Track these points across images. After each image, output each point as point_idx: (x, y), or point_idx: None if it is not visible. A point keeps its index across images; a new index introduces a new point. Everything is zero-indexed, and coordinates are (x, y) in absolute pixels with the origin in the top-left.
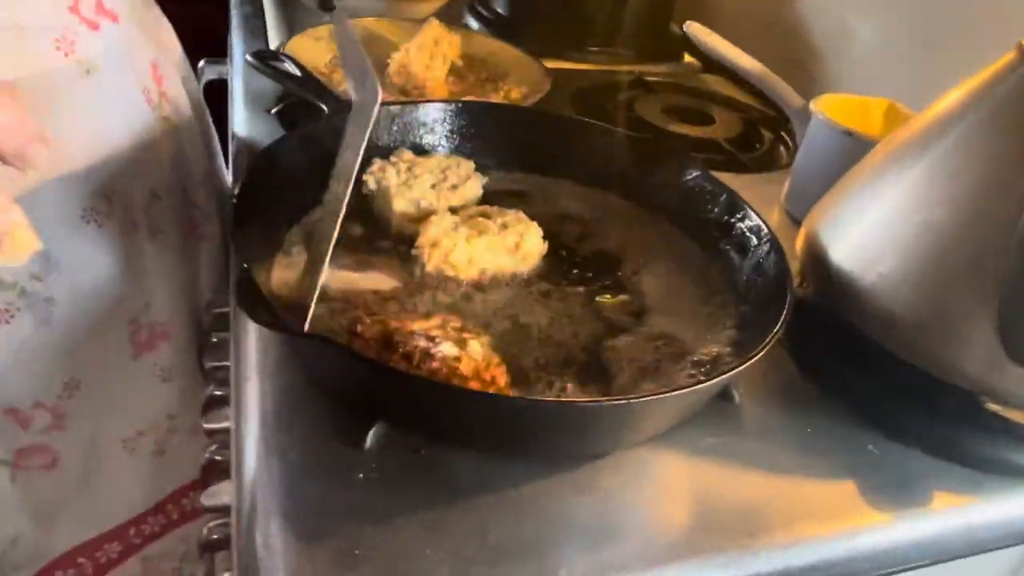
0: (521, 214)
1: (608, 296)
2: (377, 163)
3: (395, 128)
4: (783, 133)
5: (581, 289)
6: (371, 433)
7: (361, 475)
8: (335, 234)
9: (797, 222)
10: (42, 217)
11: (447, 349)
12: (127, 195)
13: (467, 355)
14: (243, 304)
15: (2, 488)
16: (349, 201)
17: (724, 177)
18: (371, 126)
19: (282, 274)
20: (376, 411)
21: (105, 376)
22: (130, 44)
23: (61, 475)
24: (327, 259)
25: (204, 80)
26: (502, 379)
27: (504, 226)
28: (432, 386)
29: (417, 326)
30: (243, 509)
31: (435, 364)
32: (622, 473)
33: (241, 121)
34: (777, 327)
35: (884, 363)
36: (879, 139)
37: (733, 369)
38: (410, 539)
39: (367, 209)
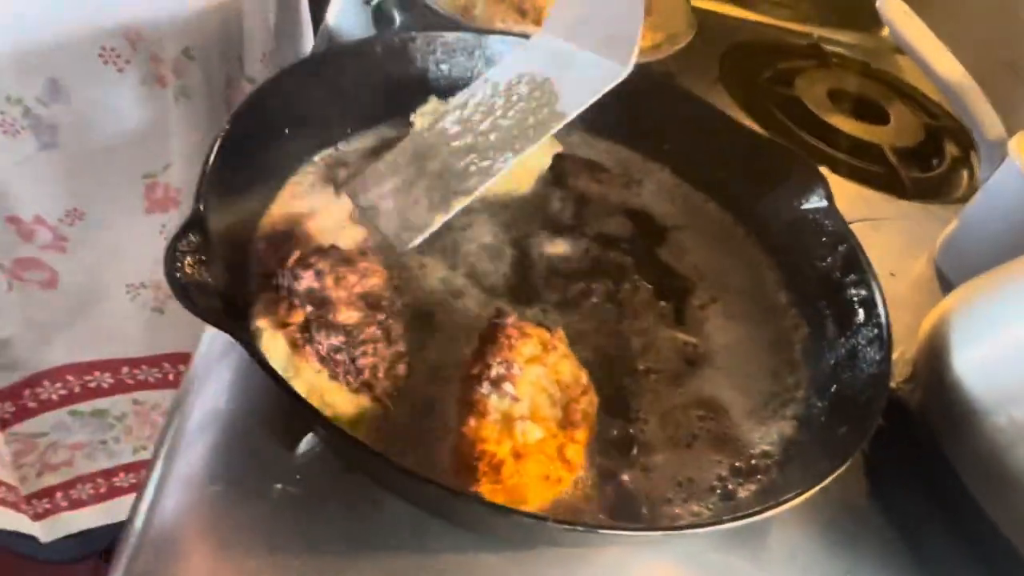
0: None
1: (664, 326)
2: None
3: (478, 58)
4: (973, 154)
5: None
6: (305, 440)
7: (279, 486)
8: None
9: (947, 283)
10: (58, 41)
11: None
12: (154, 45)
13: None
14: (168, 261)
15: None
16: None
17: (877, 200)
18: (596, 96)
19: (286, 207)
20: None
21: (111, 217)
22: None
23: (60, 296)
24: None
25: None
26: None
27: None
28: (357, 448)
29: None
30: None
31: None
32: (587, 570)
33: (335, 10)
34: (840, 468)
35: (981, 531)
36: None
37: (766, 510)
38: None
39: None
